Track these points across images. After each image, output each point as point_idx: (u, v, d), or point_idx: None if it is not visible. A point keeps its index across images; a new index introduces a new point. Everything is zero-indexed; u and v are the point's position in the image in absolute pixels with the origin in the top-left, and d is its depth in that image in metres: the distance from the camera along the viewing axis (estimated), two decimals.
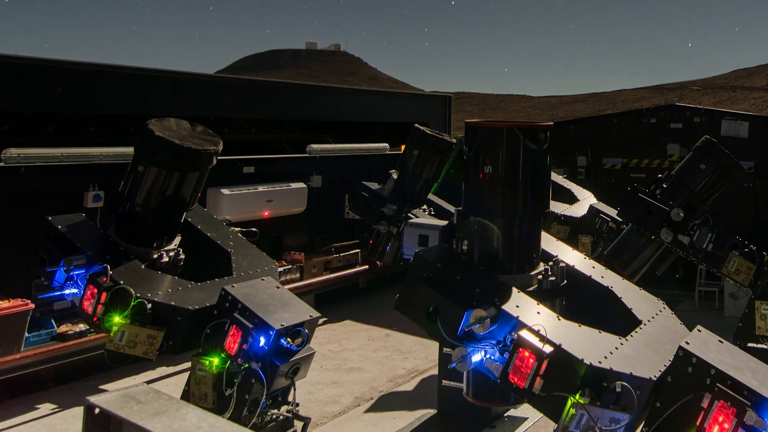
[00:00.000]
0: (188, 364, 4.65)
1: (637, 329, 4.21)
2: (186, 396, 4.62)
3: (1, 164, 8.04)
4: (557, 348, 3.59)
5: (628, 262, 7.34)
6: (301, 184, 11.88)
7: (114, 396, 2.86)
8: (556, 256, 4.59)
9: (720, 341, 3.71)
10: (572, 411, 3.48)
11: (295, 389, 4.77)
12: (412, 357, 9.39)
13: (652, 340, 4.13)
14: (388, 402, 7.93)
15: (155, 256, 5.13)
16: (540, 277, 4.28)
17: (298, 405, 4.83)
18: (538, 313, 3.88)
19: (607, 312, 4.52)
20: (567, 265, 4.56)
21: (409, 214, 7.34)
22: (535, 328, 3.66)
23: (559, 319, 3.92)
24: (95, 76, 9.56)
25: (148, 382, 5.23)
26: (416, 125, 7.96)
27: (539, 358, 3.54)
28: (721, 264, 6.88)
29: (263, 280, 4.91)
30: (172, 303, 4.68)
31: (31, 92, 8.76)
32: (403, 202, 7.57)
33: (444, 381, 7.27)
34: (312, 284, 11.41)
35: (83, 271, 4.87)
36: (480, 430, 7.04)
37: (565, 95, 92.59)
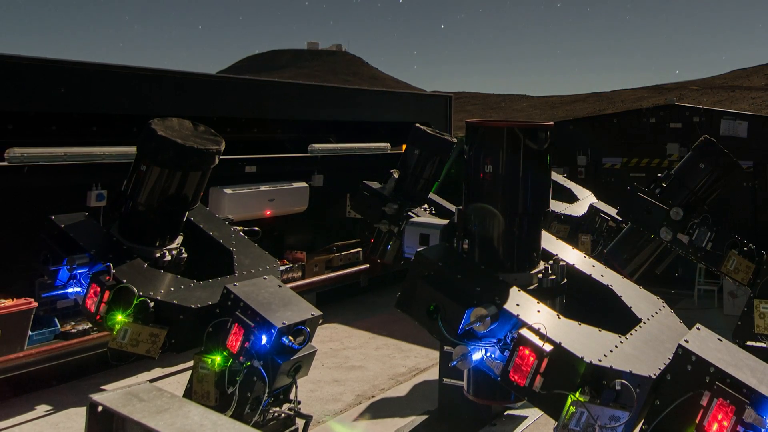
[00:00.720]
0: (190, 363, 4.67)
1: (637, 328, 4.23)
2: (188, 394, 4.63)
3: (5, 163, 8.07)
4: (557, 346, 3.61)
5: (628, 261, 7.36)
6: (303, 184, 11.91)
7: (117, 394, 2.87)
8: (557, 254, 4.61)
9: (719, 339, 3.73)
10: (572, 409, 3.49)
11: (296, 387, 4.79)
12: (413, 355, 9.42)
13: (652, 339, 4.15)
14: (389, 400, 7.96)
15: (158, 254, 5.14)
16: (540, 275, 4.30)
17: (299, 403, 4.84)
18: (539, 311, 3.90)
19: (606, 310, 4.54)
20: (567, 263, 4.58)
21: (410, 213, 7.36)
22: (536, 326, 3.69)
23: (559, 318, 3.94)
24: (98, 76, 9.58)
25: (151, 381, 5.25)
26: (417, 125, 7.98)
27: (539, 356, 3.56)
28: (720, 263, 6.89)
29: (265, 278, 4.92)
30: (175, 301, 4.69)
31: (34, 92, 8.77)
32: (404, 202, 7.59)
33: (445, 379, 7.29)
34: (313, 283, 11.44)
35: (86, 270, 4.88)
36: (480, 428, 7.06)
37: (565, 95, 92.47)
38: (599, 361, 3.60)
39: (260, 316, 4.44)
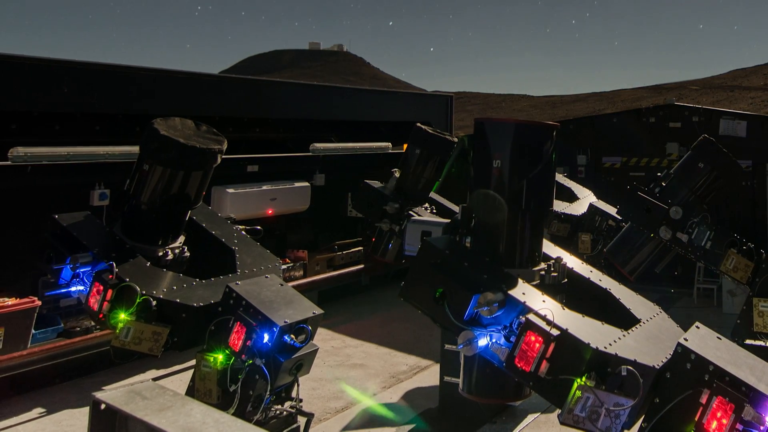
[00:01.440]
0: (193, 361, 4.70)
1: (637, 326, 4.26)
2: (191, 392, 4.64)
3: (9, 163, 8.10)
4: (564, 332, 3.62)
5: (628, 260, 7.38)
6: (305, 183, 11.94)
7: (120, 392, 2.89)
8: (557, 256, 4.65)
9: (718, 338, 3.74)
10: (578, 394, 3.50)
11: (298, 385, 4.80)
12: (414, 353, 9.45)
13: (652, 336, 4.17)
14: (390, 397, 7.99)
15: (160, 253, 5.15)
16: (542, 273, 4.33)
17: (301, 401, 4.86)
18: (544, 301, 3.93)
19: (605, 312, 4.56)
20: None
21: (411, 212, 7.39)
22: (542, 312, 3.71)
23: (564, 309, 3.97)
24: (101, 76, 9.60)
25: (154, 379, 5.28)
26: (418, 124, 8.00)
27: (546, 340, 3.57)
28: (719, 261, 6.91)
29: (267, 277, 4.93)
30: (177, 300, 4.71)
31: (38, 92, 8.80)
32: (405, 201, 7.61)
33: (445, 377, 7.33)
34: (315, 281, 11.48)
35: (89, 269, 4.89)
36: (480, 425, 7.10)
37: (565, 95, 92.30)
38: (605, 348, 3.62)
39: (262, 314, 4.45)
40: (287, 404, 4.82)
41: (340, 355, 9.42)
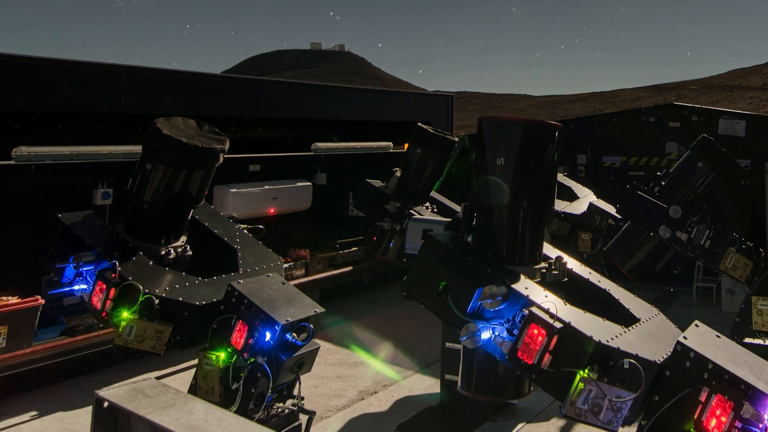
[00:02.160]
0: (195, 360, 4.73)
1: (636, 324, 4.29)
2: (193, 390, 4.65)
3: (12, 162, 8.13)
4: (567, 324, 3.64)
5: (627, 258, 7.41)
6: (306, 182, 11.96)
7: (122, 390, 2.89)
8: (557, 256, 4.67)
9: (717, 336, 3.75)
10: (581, 386, 3.50)
11: (300, 383, 4.82)
12: (416, 351, 9.47)
13: (652, 334, 4.20)
14: (391, 395, 8.02)
15: (163, 252, 5.16)
16: (543, 271, 4.36)
17: (303, 399, 4.88)
18: (546, 296, 3.96)
19: (605, 311, 4.59)
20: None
21: (412, 211, 7.41)
22: (545, 305, 3.74)
23: (566, 304, 3.99)
24: (104, 75, 9.63)
25: (157, 377, 5.31)
26: (419, 124, 8.02)
27: (549, 333, 3.58)
28: (718, 260, 6.92)
29: (269, 276, 4.94)
30: (180, 298, 4.71)
31: (41, 91, 8.83)
32: (406, 200, 7.63)
33: (447, 375, 7.36)
34: (317, 280, 11.49)
35: (92, 268, 4.88)
36: (482, 423, 7.13)
37: (565, 95, 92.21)
38: (608, 341, 3.63)
39: (264, 313, 4.47)
40: (289, 402, 4.83)
41: (341, 353, 9.46)
